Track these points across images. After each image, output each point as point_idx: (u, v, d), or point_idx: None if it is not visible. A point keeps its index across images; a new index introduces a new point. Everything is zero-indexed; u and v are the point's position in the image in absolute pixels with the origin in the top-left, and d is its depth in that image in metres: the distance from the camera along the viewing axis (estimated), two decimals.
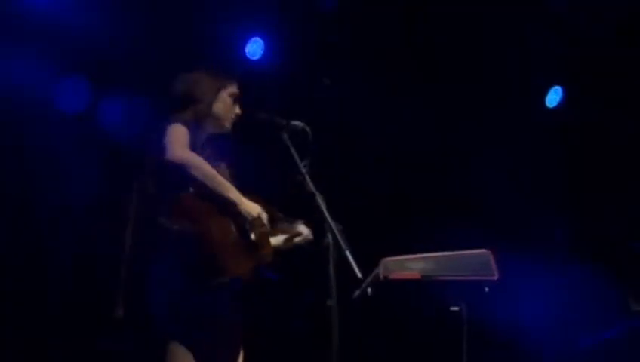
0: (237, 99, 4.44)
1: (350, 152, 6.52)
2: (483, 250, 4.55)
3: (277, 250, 4.48)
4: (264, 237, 4.33)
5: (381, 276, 4.46)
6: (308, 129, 4.27)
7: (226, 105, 4.38)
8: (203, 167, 4.10)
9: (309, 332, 5.89)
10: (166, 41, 5.72)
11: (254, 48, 6.52)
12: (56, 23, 5.49)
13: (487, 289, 4.43)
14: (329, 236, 3.97)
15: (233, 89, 4.42)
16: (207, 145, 4.32)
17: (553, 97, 7.34)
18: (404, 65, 6.51)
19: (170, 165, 4.05)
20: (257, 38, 6.53)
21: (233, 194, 4.18)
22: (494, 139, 6.70)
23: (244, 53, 6.47)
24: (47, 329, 5.42)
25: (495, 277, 4.47)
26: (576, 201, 7.01)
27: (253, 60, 6.49)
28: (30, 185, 5.49)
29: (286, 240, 4.53)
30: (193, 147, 4.19)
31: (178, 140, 4.09)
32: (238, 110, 4.40)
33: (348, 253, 3.89)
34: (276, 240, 4.51)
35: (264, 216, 4.26)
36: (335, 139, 6.24)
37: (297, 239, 4.54)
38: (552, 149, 6.95)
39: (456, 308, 4.42)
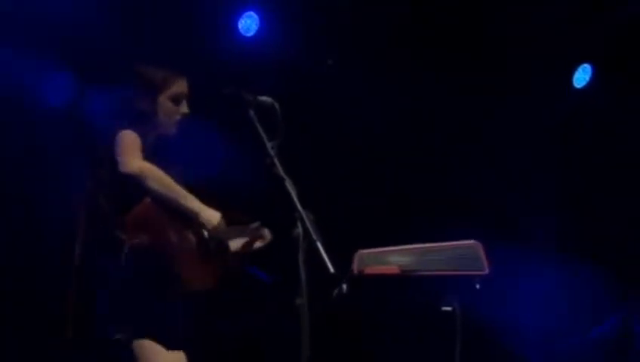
0: (182, 97, 4.26)
1: (346, 141, 6.35)
2: (471, 241, 4.25)
3: (238, 255, 4.39)
4: (221, 245, 4.21)
5: (355, 270, 4.20)
6: (277, 105, 4.04)
7: (166, 110, 4.27)
8: (159, 177, 4.03)
9: (277, 335, 5.65)
10: (150, 18, 5.56)
11: (248, 24, 6.26)
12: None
13: (478, 285, 4.15)
14: (299, 226, 3.74)
15: (176, 89, 4.26)
16: (159, 146, 4.24)
17: (581, 77, 6.98)
18: (411, 48, 6.37)
19: (125, 178, 3.98)
20: (251, 13, 6.28)
21: (192, 203, 4.10)
22: (501, 130, 6.58)
23: (236, 29, 6.21)
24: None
25: (486, 272, 4.18)
26: (582, 199, 6.87)
27: (246, 37, 6.24)
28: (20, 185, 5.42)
29: (244, 245, 4.39)
30: (143, 154, 4.10)
31: (129, 150, 4.01)
32: (184, 109, 4.24)
33: (319, 245, 3.64)
34: (235, 244, 4.36)
35: (223, 224, 4.16)
36: (333, 126, 6.15)
37: (257, 243, 4.40)
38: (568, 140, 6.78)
39: (448, 308, 4.16)
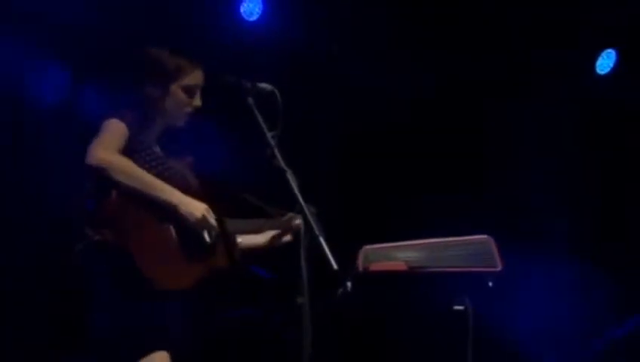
0: (196, 88, 4.08)
1: (350, 129, 6.24)
2: (483, 236, 4.15)
3: (254, 250, 4.25)
4: (228, 240, 4.03)
5: (360, 267, 4.12)
6: (277, 92, 3.90)
7: (178, 101, 4.04)
8: (127, 169, 3.82)
9: (277, 335, 5.54)
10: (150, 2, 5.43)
11: (251, 8, 6.06)
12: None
13: (490, 283, 4.03)
14: (301, 220, 3.67)
15: (191, 80, 4.05)
16: (166, 138, 4.07)
17: (605, 63, 6.77)
18: (422, 31, 6.21)
19: (90, 169, 3.80)
20: None
21: (170, 195, 3.87)
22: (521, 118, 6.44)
23: (238, 13, 6.03)
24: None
25: (498, 269, 4.06)
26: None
27: (249, 22, 6.05)
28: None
29: (273, 239, 4.26)
30: (140, 146, 3.94)
31: (105, 140, 3.83)
32: (197, 102, 4.05)
33: (322, 240, 3.51)
34: (250, 239, 4.21)
35: (211, 216, 3.93)
36: (336, 114, 6.06)
37: (287, 237, 4.25)
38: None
39: (460, 308, 4.05)
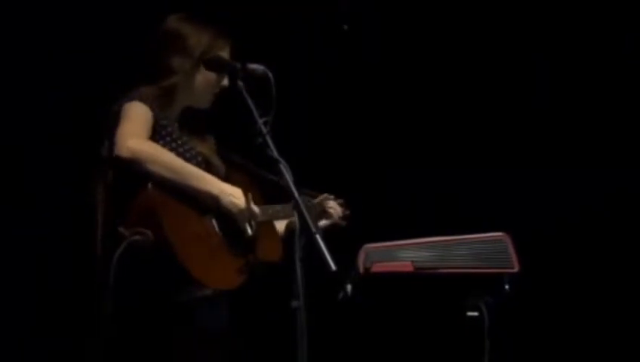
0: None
1: (352, 116, 5.98)
2: (498, 233, 3.95)
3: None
4: (263, 232, 3.86)
5: (360, 268, 3.94)
6: (270, 74, 3.67)
7: (207, 79, 3.85)
8: (163, 158, 3.64)
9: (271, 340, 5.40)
10: None
11: None
12: None
13: (507, 286, 3.86)
14: (295, 216, 3.40)
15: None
16: (184, 117, 3.88)
17: None
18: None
19: (121, 163, 3.61)
20: None
21: (210, 184, 3.72)
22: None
23: None
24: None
25: (515, 270, 3.88)
26: None
27: None
28: None
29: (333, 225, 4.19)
30: (164, 130, 3.75)
31: (132, 128, 3.64)
32: (225, 82, 3.85)
33: (319, 238, 3.28)
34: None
35: (254, 206, 3.78)
36: (336, 99, 5.83)
37: (321, 221, 4.17)
38: None
39: (474, 314, 3.88)
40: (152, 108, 3.71)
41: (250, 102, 3.59)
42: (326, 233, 4.04)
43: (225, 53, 3.86)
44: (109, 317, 3.61)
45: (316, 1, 5.60)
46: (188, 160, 3.75)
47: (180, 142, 3.79)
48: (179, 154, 3.75)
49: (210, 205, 3.71)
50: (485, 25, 5.74)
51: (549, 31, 5.68)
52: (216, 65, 3.80)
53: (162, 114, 3.77)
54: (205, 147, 3.91)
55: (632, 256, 5.61)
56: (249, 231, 3.78)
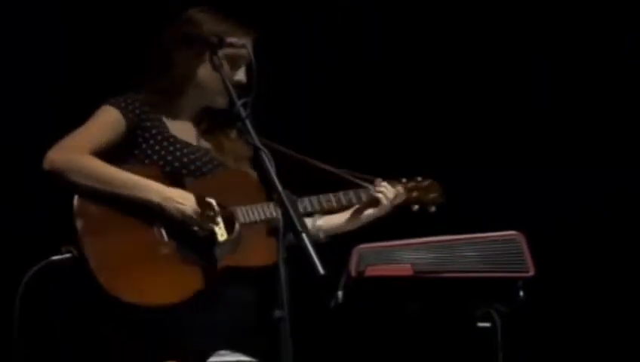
0: (240, 61, 3.69)
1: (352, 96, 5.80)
2: (510, 232, 3.74)
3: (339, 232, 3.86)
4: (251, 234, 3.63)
5: (353, 272, 3.71)
6: (250, 49, 3.55)
7: (212, 72, 3.64)
8: (89, 169, 3.56)
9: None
10: None
11: None
12: None
13: (522, 292, 3.63)
14: (278, 213, 3.20)
15: (235, 49, 3.68)
16: (205, 116, 3.70)
17: None
18: None
19: (49, 176, 3.58)
20: None
21: (149, 192, 3.55)
22: None
23: None
24: None
25: (531, 274, 3.66)
26: None
27: None
28: None
29: (354, 215, 3.83)
30: (140, 131, 3.61)
31: (74, 138, 3.59)
32: (240, 77, 3.65)
33: (305, 237, 3.05)
34: (335, 219, 3.82)
35: (213, 209, 3.58)
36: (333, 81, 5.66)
37: (369, 210, 3.82)
38: None
39: (485, 325, 3.65)
40: (129, 111, 3.61)
41: (227, 80, 3.44)
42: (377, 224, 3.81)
43: (241, 47, 3.68)
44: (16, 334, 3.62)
45: (316, 1, 5.55)
46: (179, 159, 3.62)
47: (171, 140, 3.64)
48: (169, 154, 3.62)
49: (156, 213, 3.57)
50: (485, 25, 5.72)
51: (549, 31, 5.68)
52: (193, 43, 3.59)
53: (153, 115, 3.65)
54: (222, 145, 3.76)
55: (633, 256, 5.56)
56: (219, 235, 3.59)
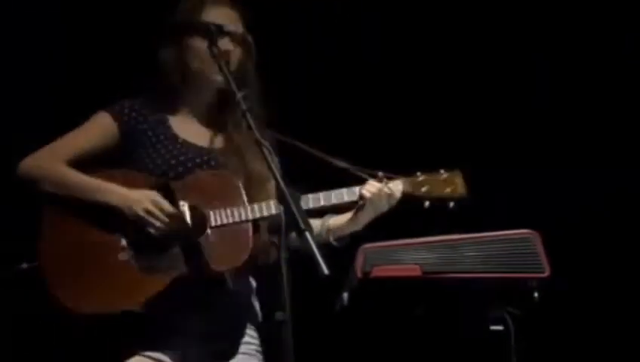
0: (220, 31, 3.52)
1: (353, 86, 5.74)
2: (524, 231, 3.62)
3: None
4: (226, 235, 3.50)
5: (359, 272, 3.59)
6: (249, 38, 3.49)
7: (200, 53, 3.50)
8: (52, 174, 3.55)
9: None
10: None
11: None
12: None
13: (536, 294, 3.51)
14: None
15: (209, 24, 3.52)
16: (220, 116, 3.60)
17: None
18: None
19: (20, 183, 3.64)
20: None
21: (108, 195, 3.49)
22: None
23: None
24: None
25: (546, 274, 3.54)
26: None
27: None
28: None
29: (356, 214, 3.62)
30: (137, 134, 3.54)
31: (55, 144, 3.58)
32: (227, 45, 3.50)
33: (309, 236, 2.94)
34: (343, 218, 3.63)
35: (168, 208, 3.45)
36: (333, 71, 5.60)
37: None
38: None
39: (498, 328, 3.54)
40: (124, 115, 3.55)
41: (226, 70, 3.32)
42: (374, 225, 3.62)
43: (219, 18, 3.53)
44: None
45: None
46: (176, 157, 3.52)
47: (166, 142, 3.56)
48: (167, 152, 3.53)
49: (119, 218, 3.52)
50: (485, 25, 5.74)
51: (549, 31, 5.71)
52: (190, 28, 3.47)
53: (154, 117, 3.57)
54: (232, 143, 3.62)
55: (633, 256, 5.56)
56: (155, 234, 3.49)
